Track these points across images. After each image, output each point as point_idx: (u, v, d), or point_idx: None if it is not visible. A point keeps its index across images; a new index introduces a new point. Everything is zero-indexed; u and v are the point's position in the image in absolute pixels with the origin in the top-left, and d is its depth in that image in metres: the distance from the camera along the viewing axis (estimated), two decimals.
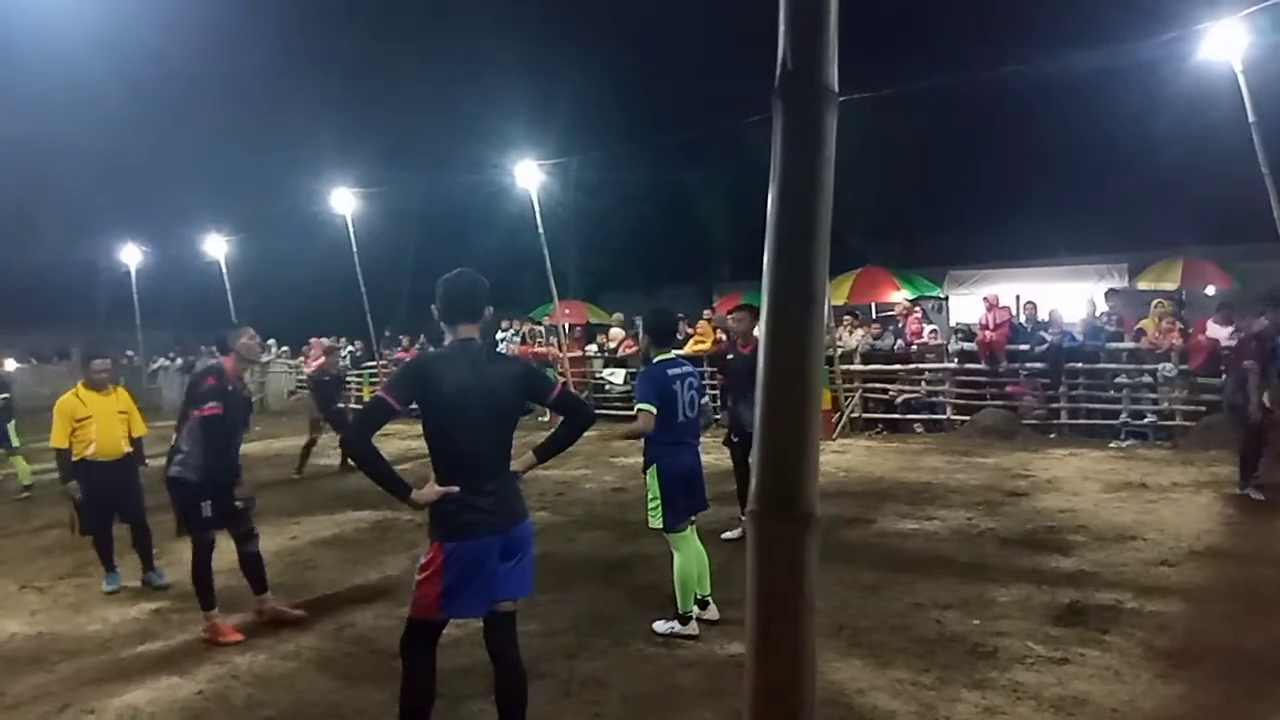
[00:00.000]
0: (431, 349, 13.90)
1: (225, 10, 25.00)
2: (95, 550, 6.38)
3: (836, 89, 1.42)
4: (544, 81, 25.23)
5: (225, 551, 5.38)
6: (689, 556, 4.92)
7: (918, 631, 4.79)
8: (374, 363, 19.08)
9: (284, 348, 21.95)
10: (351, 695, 4.30)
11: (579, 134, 22.43)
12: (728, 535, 6.86)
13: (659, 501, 4.87)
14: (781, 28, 1.40)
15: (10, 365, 19.92)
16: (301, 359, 20.81)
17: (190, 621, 5.43)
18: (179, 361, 21.50)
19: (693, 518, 5.08)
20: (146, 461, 6.70)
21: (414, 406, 3.19)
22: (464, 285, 3.28)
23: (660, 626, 4.97)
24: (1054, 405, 11.59)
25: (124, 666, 4.83)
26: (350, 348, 20.43)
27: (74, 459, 6.19)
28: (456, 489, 3.13)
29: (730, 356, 7.36)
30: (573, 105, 24.53)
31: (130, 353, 24.04)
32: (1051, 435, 11.29)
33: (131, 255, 22.82)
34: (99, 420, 6.22)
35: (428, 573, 3.19)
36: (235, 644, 5.04)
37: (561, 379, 15.35)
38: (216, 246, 21.01)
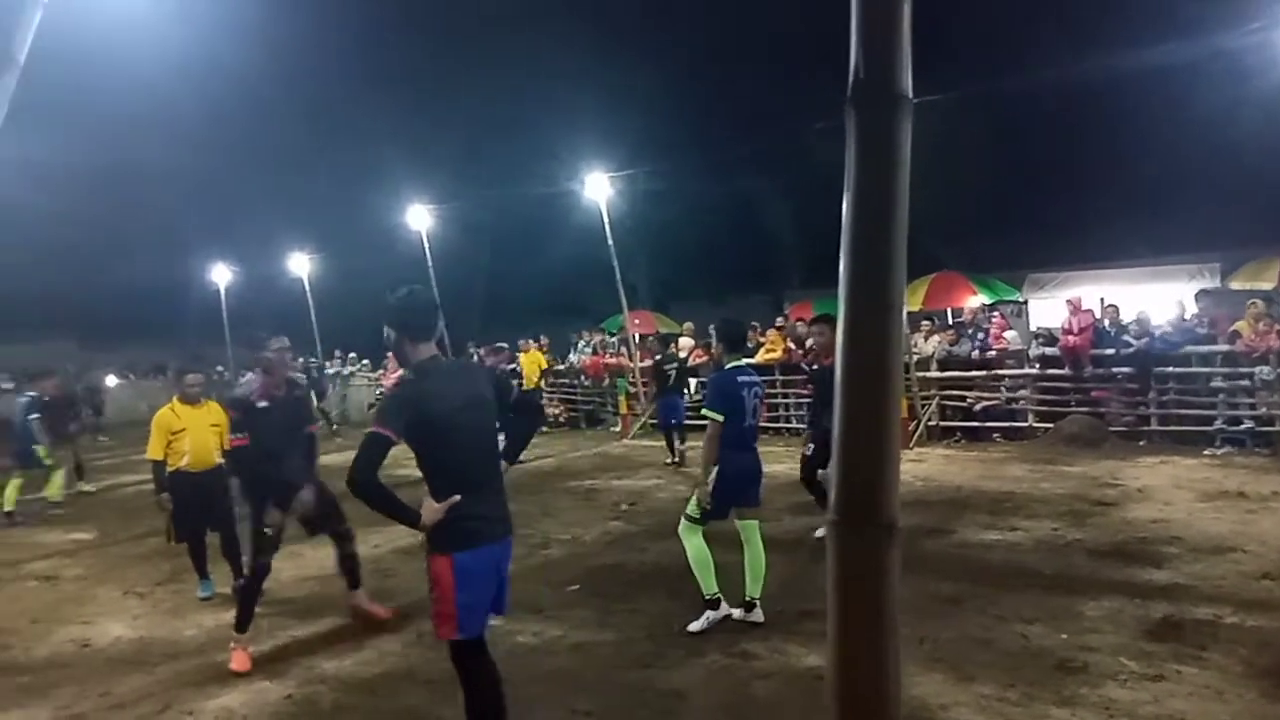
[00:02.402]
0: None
1: (303, 35, 25.93)
2: (190, 558, 6.64)
3: (911, 95, 1.41)
4: (612, 93, 25.44)
5: (306, 560, 5.54)
6: (698, 544, 5.18)
7: (1002, 645, 4.66)
8: None
9: (364, 361, 22.55)
10: (432, 701, 4.38)
11: (647, 144, 22.51)
12: (818, 534, 6.87)
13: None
14: (854, 36, 1.40)
15: (111, 380, 20.96)
16: (381, 372, 21.39)
17: (278, 628, 5.62)
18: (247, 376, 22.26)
19: (758, 519, 5.38)
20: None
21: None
22: (420, 304, 3.26)
23: (695, 626, 5.10)
24: (1143, 411, 11.15)
25: (219, 670, 5.01)
26: None
27: (169, 470, 6.45)
28: (458, 497, 3.12)
29: (815, 368, 7.40)
30: (641, 116, 24.66)
31: (220, 368, 25.04)
32: (1141, 442, 10.85)
33: (221, 274, 23.89)
34: (192, 433, 6.47)
35: (440, 590, 3.15)
36: (242, 674, 4.92)
37: (633, 390, 15.35)
38: (299, 264, 21.81)
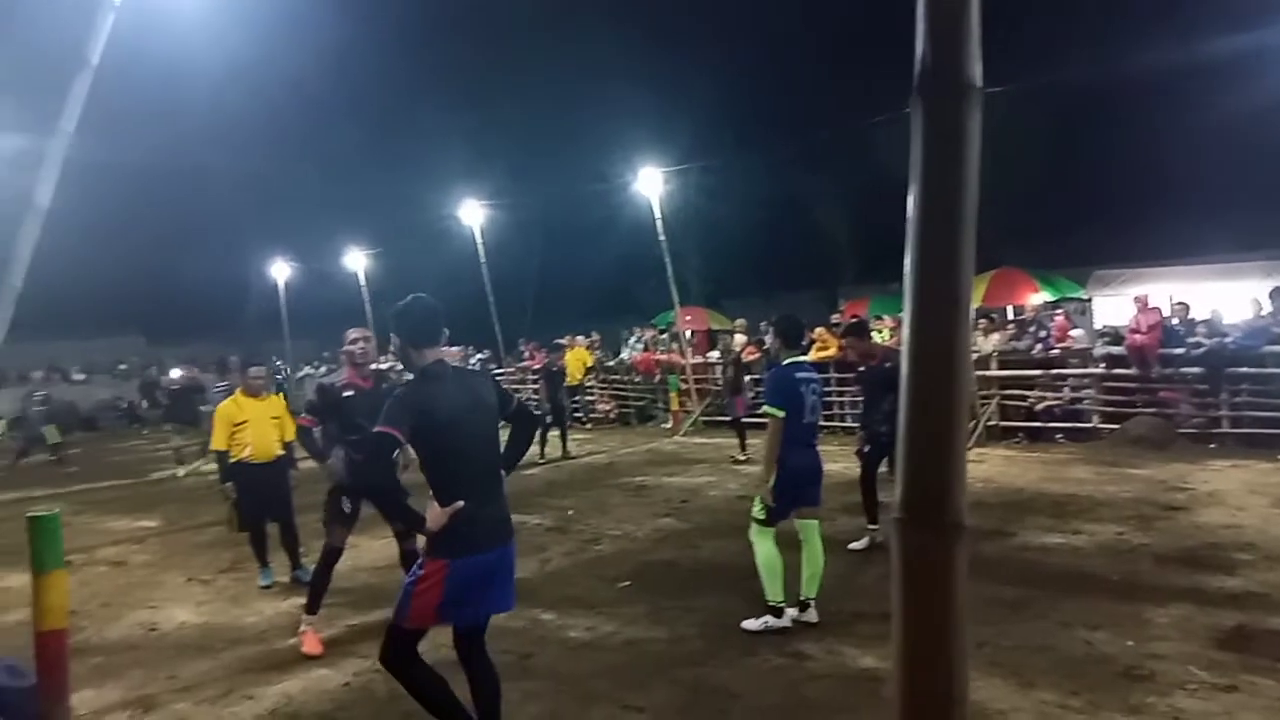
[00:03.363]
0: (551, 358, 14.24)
1: (359, 39, 26.49)
2: (251, 546, 6.81)
3: (980, 85, 1.37)
4: (665, 87, 25.45)
5: (361, 551, 5.63)
6: (769, 549, 5.08)
7: (1064, 651, 4.54)
8: (501, 370, 19.68)
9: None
10: None
11: (701, 139, 22.49)
12: (854, 546, 6.76)
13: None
14: (920, 24, 1.36)
15: (175, 373, 21.71)
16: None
17: (336, 617, 5.72)
18: (323, 369, 22.82)
19: (818, 519, 5.29)
20: (298, 464, 7.10)
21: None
22: (423, 311, 3.30)
23: (751, 625, 5.05)
24: (1214, 413, 10.77)
25: (278, 657, 5.13)
26: (479, 356, 21.18)
27: (231, 461, 6.61)
28: (462, 504, 3.13)
29: (861, 369, 7.33)
30: (694, 110, 24.63)
31: (278, 361, 25.66)
32: (1211, 445, 10.48)
33: (280, 270, 24.51)
34: (254, 425, 6.61)
35: (426, 585, 3.16)
36: (317, 656, 5.07)
37: (685, 386, 15.33)
38: (355, 260, 22.26)
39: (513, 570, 3.37)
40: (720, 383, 13.11)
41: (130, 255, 25.93)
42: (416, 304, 3.31)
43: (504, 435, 3.54)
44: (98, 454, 17.87)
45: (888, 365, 6.77)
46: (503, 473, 3.45)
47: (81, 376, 26.79)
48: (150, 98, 20.97)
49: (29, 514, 4.48)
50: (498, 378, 19.69)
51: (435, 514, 3.15)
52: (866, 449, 7.03)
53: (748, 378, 14.11)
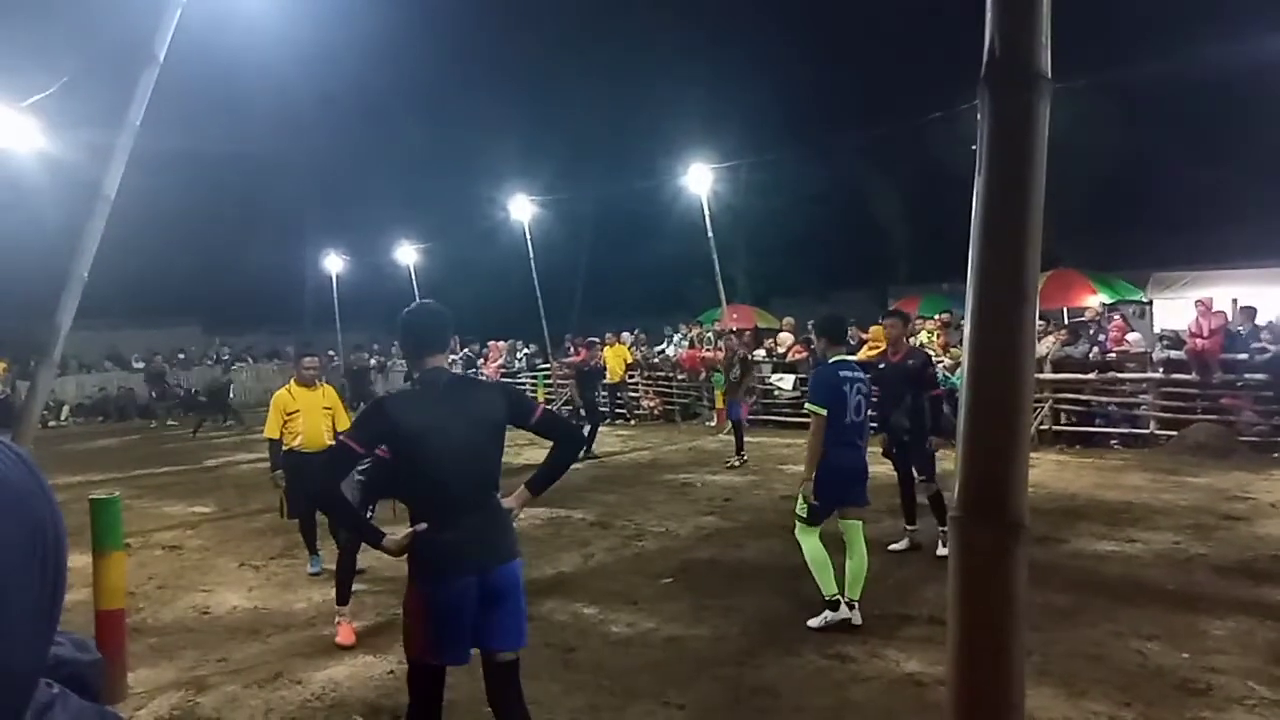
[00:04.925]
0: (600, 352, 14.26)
1: (415, 36, 26.79)
2: (301, 534, 6.93)
3: (1049, 75, 1.33)
4: (717, 83, 25.27)
5: None
6: (815, 545, 5.12)
7: (1117, 661, 4.43)
8: (548, 365, 19.79)
9: (465, 350, 23.16)
10: (526, 686, 4.44)
11: (752, 134, 22.29)
12: (894, 547, 6.71)
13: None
14: (989, 11, 1.33)
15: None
16: (481, 361, 21.97)
17: (382, 605, 5.81)
18: (373, 361, 23.19)
19: (862, 520, 5.28)
20: None
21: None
22: (426, 317, 3.15)
23: (815, 622, 5.05)
24: (1279, 421, 10.40)
25: (326, 643, 5.22)
26: (526, 350, 21.35)
27: (284, 449, 6.72)
28: (425, 526, 2.93)
29: (881, 366, 7.17)
30: (746, 106, 24.41)
31: (331, 353, 26.13)
32: (1275, 454, 10.14)
33: (333, 263, 24.96)
34: (305, 414, 6.70)
35: (410, 616, 3.03)
36: (347, 648, 5.14)
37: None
38: (407, 254, 22.58)
39: (508, 599, 3.05)
40: (724, 381, 12.36)
41: (189, 245, 26.49)
42: (419, 311, 3.20)
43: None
44: (154, 440, 18.36)
45: (910, 363, 6.71)
46: (526, 490, 3.20)
47: (140, 365, 27.47)
48: (212, 91, 21.46)
49: (91, 497, 4.63)
50: (544, 371, 19.60)
51: (400, 536, 2.97)
52: (894, 450, 6.91)
53: (794, 376, 13.97)
